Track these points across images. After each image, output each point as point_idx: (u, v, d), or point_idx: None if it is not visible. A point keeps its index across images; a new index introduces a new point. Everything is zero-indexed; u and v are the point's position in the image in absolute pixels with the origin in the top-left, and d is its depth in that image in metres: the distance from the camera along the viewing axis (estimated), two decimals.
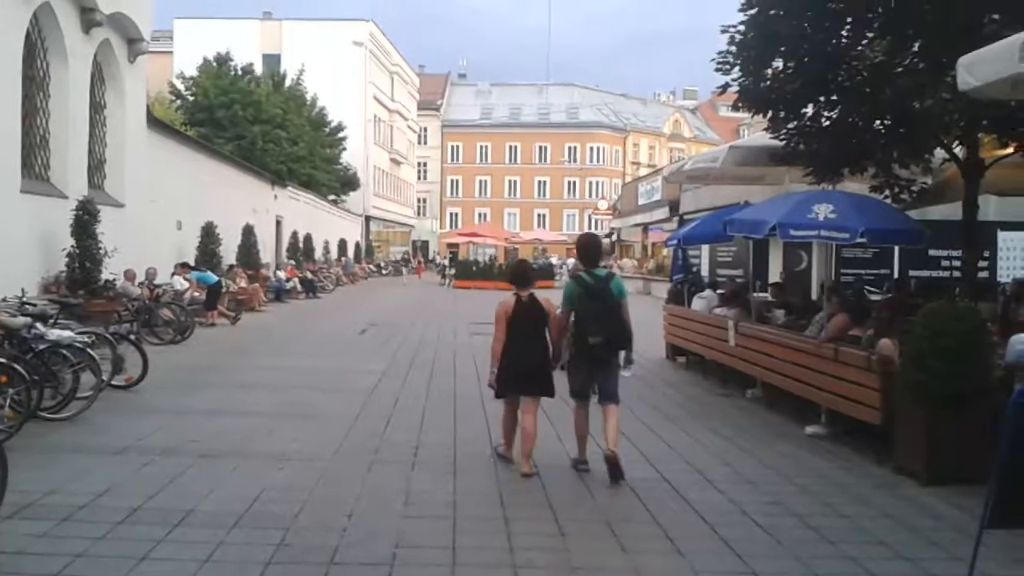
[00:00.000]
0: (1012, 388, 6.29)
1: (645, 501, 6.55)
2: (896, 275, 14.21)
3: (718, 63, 11.30)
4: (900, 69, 9.90)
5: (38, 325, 9.33)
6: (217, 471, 7.10)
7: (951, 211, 11.07)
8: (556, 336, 7.40)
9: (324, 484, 6.79)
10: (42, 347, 8.95)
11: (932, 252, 13.56)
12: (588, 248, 7.64)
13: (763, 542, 5.66)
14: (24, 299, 10.92)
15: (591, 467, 7.32)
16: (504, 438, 7.77)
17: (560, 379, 7.48)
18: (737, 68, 11.18)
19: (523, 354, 7.28)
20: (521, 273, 7.64)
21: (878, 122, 10.67)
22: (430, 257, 73.49)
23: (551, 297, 7.82)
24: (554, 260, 54.07)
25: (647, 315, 22.00)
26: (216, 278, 20.61)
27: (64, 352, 9.09)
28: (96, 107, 18.50)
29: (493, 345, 7.40)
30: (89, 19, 17.01)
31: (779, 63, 10.93)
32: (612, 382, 7.37)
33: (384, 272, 55.21)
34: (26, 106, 15.27)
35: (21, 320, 9.22)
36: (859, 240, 9.66)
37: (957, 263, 12.79)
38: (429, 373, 13.18)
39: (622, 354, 7.37)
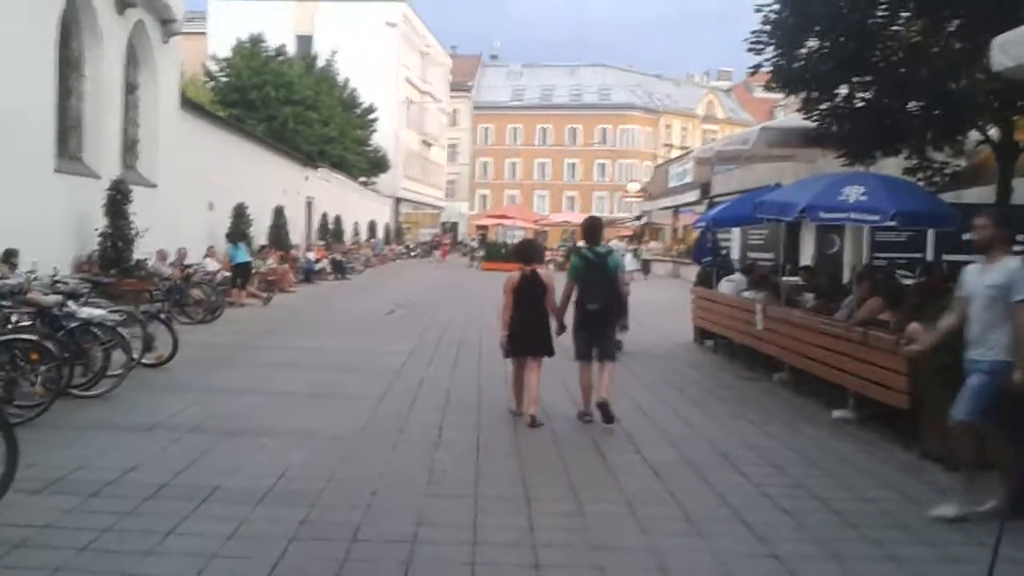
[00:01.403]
0: None
1: (667, 483, 6.54)
2: (929, 259, 14.03)
3: (751, 43, 11.20)
4: (935, 49, 9.76)
5: (70, 303, 9.45)
6: (243, 449, 7.18)
7: (985, 194, 10.91)
8: (562, 303, 8.61)
9: (348, 463, 6.84)
10: (73, 325, 9.06)
11: (966, 236, 13.33)
12: (591, 228, 8.90)
13: (785, 525, 5.64)
14: (56, 278, 11.08)
15: (600, 421, 8.39)
16: (514, 395, 8.84)
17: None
18: (771, 48, 11.08)
19: (526, 320, 8.48)
20: (526, 251, 9.12)
21: (912, 103, 10.52)
22: (458, 239, 72.81)
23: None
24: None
25: (675, 298, 21.98)
26: (248, 258, 20.77)
27: (95, 330, 9.21)
28: (129, 88, 18.67)
29: (502, 313, 8.69)
30: (123, 0, 17.14)
31: (813, 43, 10.81)
32: (609, 344, 8.67)
33: (413, 254, 55.35)
34: (60, 87, 15.44)
35: (53, 298, 9.35)
36: (890, 223, 9.55)
37: None
38: (455, 354, 13.22)
39: None
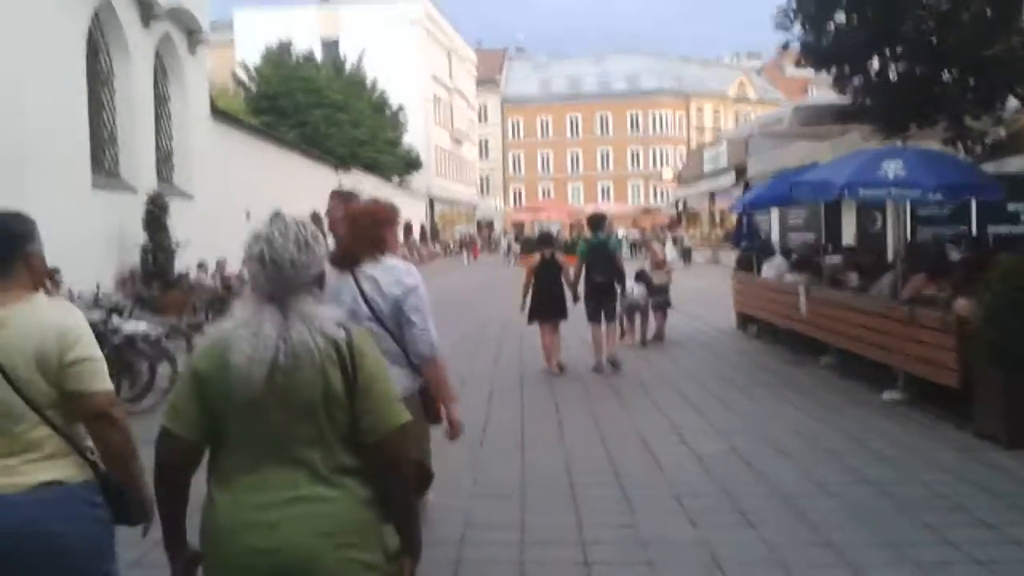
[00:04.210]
0: None
1: (715, 474, 6.45)
2: (974, 232, 13.74)
3: (777, 20, 11.02)
4: (966, 16, 9.51)
5: (113, 318, 9.56)
6: None
7: None
8: (573, 279, 11.18)
9: None
10: (117, 340, 9.16)
11: (1011, 207, 13.04)
12: (595, 221, 11.89)
13: (837, 512, 5.53)
14: (99, 293, 11.21)
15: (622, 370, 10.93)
16: (546, 357, 11.13)
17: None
18: (797, 24, 10.89)
19: (544, 293, 10.97)
20: (545, 240, 12.25)
21: (946, 73, 10.29)
22: (493, 236, 71.29)
23: None
24: (621, 232, 52.41)
25: (715, 285, 21.75)
26: None
27: (140, 345, 9.30)
28: (160, 100, 18.88)
29: (524, 284, 11.22)
30: (148, 13, 17.36)
31: (841, 16, 10.61)
32: (612, 307, 11.28)
33: (448, 253, 55.40)
34: (92, 103, 15.63)
35: (96, 314, 9.45)
36: (932, 197, 9.35)
37: None
38: (495, 351, 13.20)
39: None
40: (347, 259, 3.96)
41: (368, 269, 3.96)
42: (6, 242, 2.66)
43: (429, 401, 4.18)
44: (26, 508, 2.52)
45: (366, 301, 3.94)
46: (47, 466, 2.59)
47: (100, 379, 2.64)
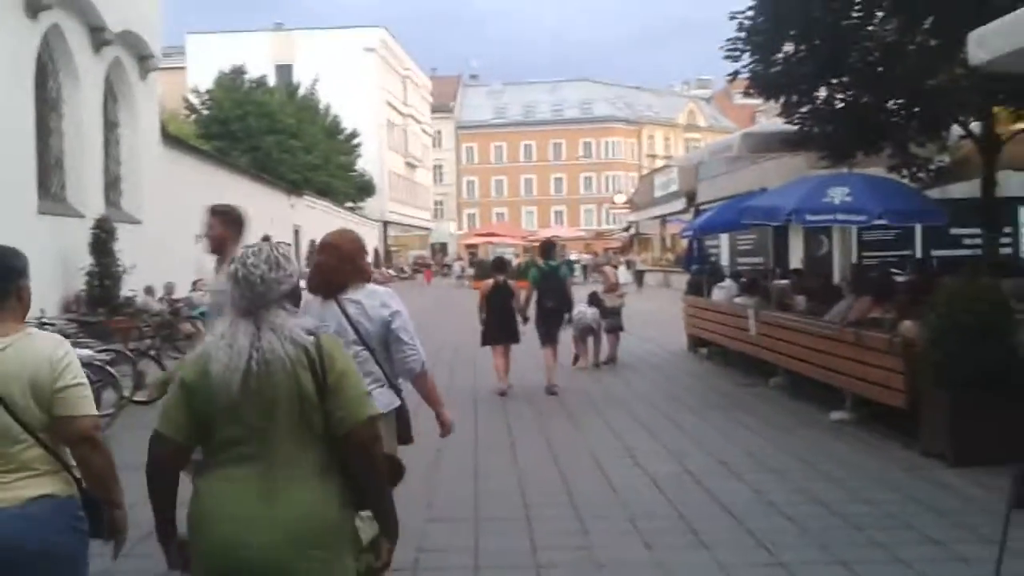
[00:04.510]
0: None
1: (668, 495, 6.48)
2: (918, 256, 14.05)
3: (727, 51, 11.22)
4: (912, 47, 9.78)
5: None
6: None
7: (971, 189, 10.92)
8: (523, 303, 11.45)
9: None
10: None
11: (954, 231, 13.38)
12: (545, 248, 12.42)
13: (789, 532, 5.58)
14: (43, 319, 10.98)
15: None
16: (501, 375, 11.25)
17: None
18: (747, 54, 11.09)
19: (497, 317, 11.12)
20: (498, 265, 12.43)
21: (892, 102, 10.54)
22: (445, 261, 71.05)
23: None
24: (573, 256, 52.64)
25: (666, 308, 21.93)
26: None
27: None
28: (110, 125, 18.62)
29: (479, 307, 11.40)
30: (99, 38, 17.12)
31: (789, 47, 10.83)
32: (555, 332, 11.53)
33: (402, 276, 55.25)
34: (40, 128, 15.38)
35: None
36: (878, 222, 9.55)
37: (979, 241, 12.62)
38: (448, 376, 13.14)
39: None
40: (332, 287, 4.13)
41: (352, 295, 4.12)
42: (5, 275, 2.95)
43: (403, 423, 4.37)
44: (21, 520, 2.77)
45: (352, 325, 4.07)
46: (39, 482, 2.85)
47: (86, 405, 2.89)
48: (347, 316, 4.07)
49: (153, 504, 2.71)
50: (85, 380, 2.94)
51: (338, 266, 4.17)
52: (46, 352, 2.87)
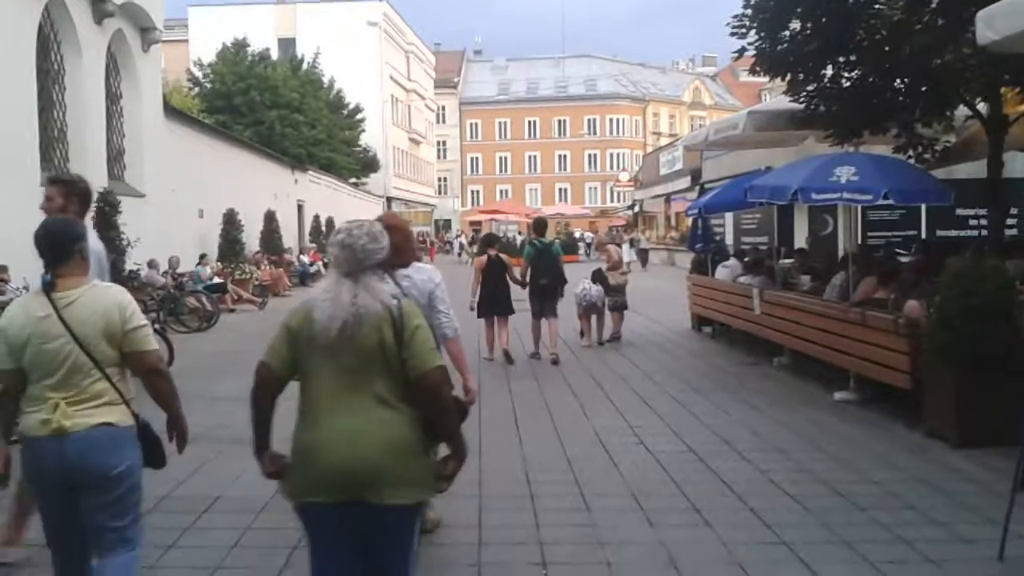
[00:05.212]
0: None
1: (671, 473, 6.50)
2: (923, 236, 13.99)
3: (733, 27, 11.11)
4: (919, 26, 9.68)
5: None
6: (244, 457, 7.04)
7: (977, 169, 10.84)
8: (521, 276, 11.92)
9: None
10: None
11: (960, 212, 13.31)
12: (539, 225, 13.04)
13: (792, 511, 5.60)
14: None
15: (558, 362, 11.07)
16: (488, 346, 11.98)
17: None
18: (753, 31, 10.99)
19: (492, 290, 11.71)
20: (490, 240, 12.94)
21: (898, 81, 10.46)
22: (448, 237, 71.14)
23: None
24: (577, 233, 52.58)
25: (671, 286, 21.93)
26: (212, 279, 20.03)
27: None
28: (112, 98, 18.54)
29: (472, 283, 11.94)
30: (101, 10, 17.01)
31: (796, 24, 10.73)
32: (553, 305, 11.98)
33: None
34: (42, 100, 15.31)
35: None
36: (883, 201, 9.50)
37: (985, 222, 12.56)
38: None
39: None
40: (395, 264, 4.53)
41: (403, 271, 4.79)
42: (68, 240, 3.51)
43: None
44: (86, 443, 3.39)
45: (404, 295, 4.42)
46: (103, 411, 3.46)
47: (152, 342, 3.60)
48: (400, 288, 4.22)
49: (253, 420, 3.24)
50: (148, 322, 3.61)
51: (404, 246, 4.75)
52: (115, 300, 3.50)
